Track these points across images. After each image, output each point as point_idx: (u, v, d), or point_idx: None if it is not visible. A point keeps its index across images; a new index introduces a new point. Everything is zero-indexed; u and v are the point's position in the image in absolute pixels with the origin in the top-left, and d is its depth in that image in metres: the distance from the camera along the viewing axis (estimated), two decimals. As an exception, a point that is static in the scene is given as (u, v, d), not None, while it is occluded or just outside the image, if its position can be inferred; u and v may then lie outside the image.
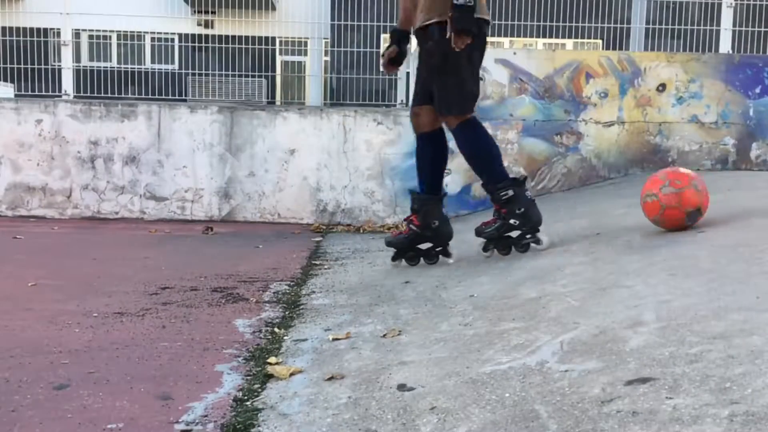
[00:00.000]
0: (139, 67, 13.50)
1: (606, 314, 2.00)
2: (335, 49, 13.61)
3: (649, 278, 2.29)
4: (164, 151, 5.82)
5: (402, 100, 6.20)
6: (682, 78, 5.80)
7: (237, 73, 13.15)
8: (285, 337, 2.41)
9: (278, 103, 12.69)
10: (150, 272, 3.58)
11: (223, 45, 10.57)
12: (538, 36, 13.93)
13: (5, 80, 8.92)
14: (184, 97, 11.88)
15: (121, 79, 11.48)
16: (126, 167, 5.82)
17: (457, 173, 5.80)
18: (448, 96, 3.15)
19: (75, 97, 6.30)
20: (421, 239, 3.38)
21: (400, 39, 3.38)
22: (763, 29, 7.74)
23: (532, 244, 3.19)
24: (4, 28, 9.62)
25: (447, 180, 5.84)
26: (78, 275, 3.46)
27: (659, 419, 1.30)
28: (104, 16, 7.47)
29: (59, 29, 6.21)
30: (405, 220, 3.48)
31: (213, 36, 13.15)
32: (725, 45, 6.08)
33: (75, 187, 5.84)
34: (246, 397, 1.83)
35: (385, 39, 14.47)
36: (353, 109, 5.89)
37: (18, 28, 9.22)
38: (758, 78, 5.82)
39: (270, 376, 1.99)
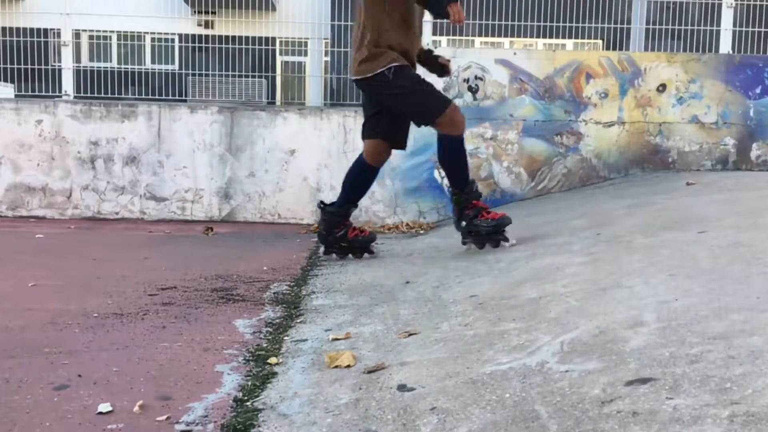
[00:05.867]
0: (139, 67, 13.48)
1: (606, 314, 2.00)
2: (335, 49, 13.59)
3: (649, 278, 2.29)
4: (164, 152, 5.82)
5: (402, 101, 6.19)
6: (683, 78, 5.79)
7: (237, 73, 13.13)
8: (285, 337, 2.41)
9: (278, 103, 12.68)
10: (150, 272, 3.57)
11: (223, 45, 10.56)
12: (538, 36, 13.90)
13: (5, 80, 8.91)
14: (184, 98, 11.87)
15: (121, 79, 11.46)
16: (126, 167, 5.82)
17: (457, 173, 5.79)
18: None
19: (75, 97, 6.30)
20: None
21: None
22: (763, 29, 7.74)
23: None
24: (4, 28, 9.62)
25: (447, 180, 5.84)
26: (78, 275, 3.46)
27: (659, 419, 1.30)
28: (104, 16, 7.47)
29: (59, 29, 6.20)
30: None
31: (213, 36, 13.14)
32: (725, 45, 6.07)
33: (75, 187, 5.84)
34: (246, 398, 1.83)
35: (385, 39, 14.47)
36: (353, 109, 5.89)
37: (18, 29, 9.22)
38: (758, 78, 5.82)
39: (270, 377, 1.99)
